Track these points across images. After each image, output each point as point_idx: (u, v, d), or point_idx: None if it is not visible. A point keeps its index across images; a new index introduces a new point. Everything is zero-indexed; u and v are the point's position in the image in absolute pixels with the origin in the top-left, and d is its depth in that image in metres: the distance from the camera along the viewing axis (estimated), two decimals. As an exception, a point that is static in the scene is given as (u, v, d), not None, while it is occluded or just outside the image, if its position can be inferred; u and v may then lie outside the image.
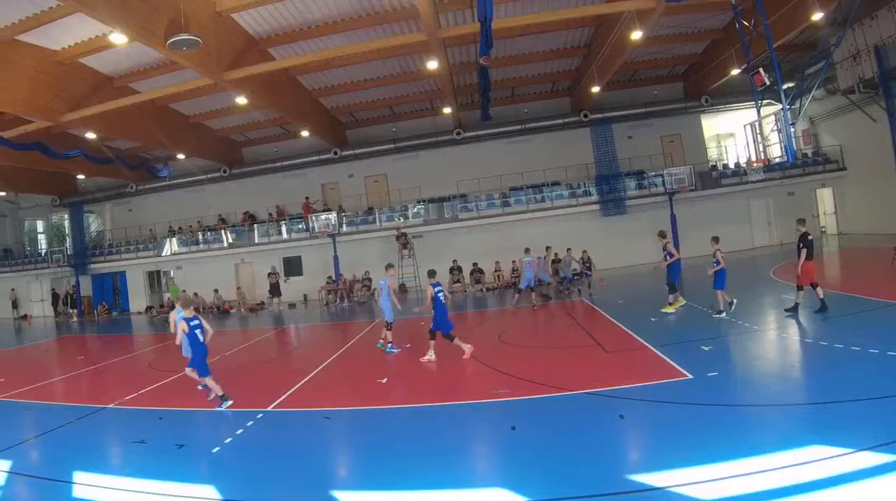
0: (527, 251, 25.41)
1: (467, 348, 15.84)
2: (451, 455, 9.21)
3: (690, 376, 11.95)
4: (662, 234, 19.92)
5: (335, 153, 43.13)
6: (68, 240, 51.66)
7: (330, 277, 38.84)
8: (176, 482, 8.99)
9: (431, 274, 17.32)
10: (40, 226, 57.57)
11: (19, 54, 24.63)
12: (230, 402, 13.10)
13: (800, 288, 17.25)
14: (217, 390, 13.28)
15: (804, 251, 16.87)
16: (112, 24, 19.93)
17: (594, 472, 7.98)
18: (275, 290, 38.68)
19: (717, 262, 16.36)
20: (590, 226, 37.61)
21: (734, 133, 40.81)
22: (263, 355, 21.77)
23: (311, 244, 41.95)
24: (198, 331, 13.25)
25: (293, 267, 43.62)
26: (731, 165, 40.16)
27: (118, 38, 21.75)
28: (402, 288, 37.99)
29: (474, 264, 37.01)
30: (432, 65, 28.64)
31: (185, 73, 27.64)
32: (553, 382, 12.58)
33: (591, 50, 33.15)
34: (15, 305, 49.39)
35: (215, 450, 10.44)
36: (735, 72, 31.99)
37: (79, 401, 15.75)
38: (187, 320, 13.25)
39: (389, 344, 17.99)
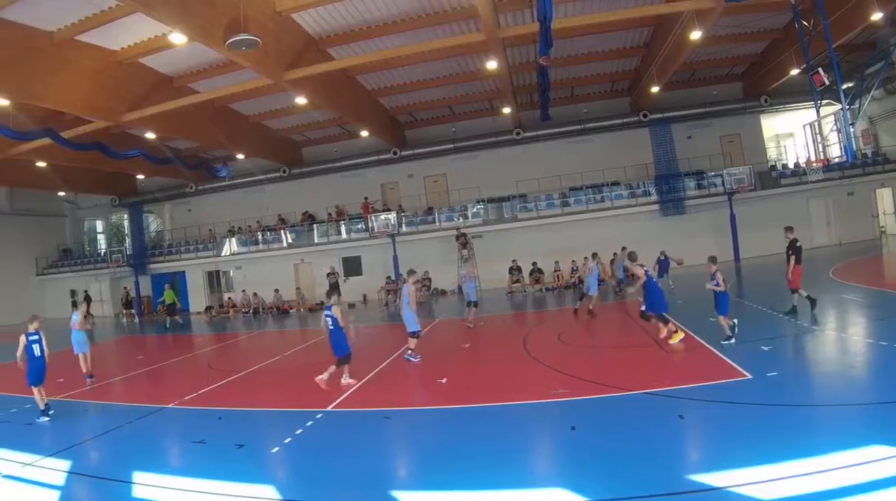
0: (593, 256, 25.45)
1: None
2: (510, 456, 9.30)
3: (750, 376, 11.96)
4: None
5: (394, 153, 43.96)
6: (128, 240, 52.97)
7: (389, 277, 39.70)
8: (235, 482, 9.18)
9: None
10: (100, 226, 59.08)
11: (79, 54, 25.19)
12: (47, 418, 14.15)
13: (793, 291, 18.12)
14: (40, 403, 14.39)
15: (793, 257, 17.85)
16: (171, 23, 20.39)
17: (653, 472, 8.03)
18: (334, 290, 38.11)
19: (718, 284, 15.46)
20: (649, 226, 37.79)
21: (793, 133, 41.61)
22: (322, 355, 22.06)
23: (370, 244, 42.82)
24: (35, 346, 14.57)
25: (352, 267, 44.40)
26: (791, 165, 40.38)
27: (177, 38, 22.23)
28: (462, 289, 38.13)
29: (533, 264, 37.65)
30: (492, 65, 29.01)
31: (245, 73, 28.06)
32: (612, 382, 12.73)
33: (650, 50, 33.54)
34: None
35: (275, 450, 10.68)
36: (794, 72, 32.37)
37: (138, 401, 16.04)
38: (27, 334, 14.64)
39: (409, 351, 17.69)
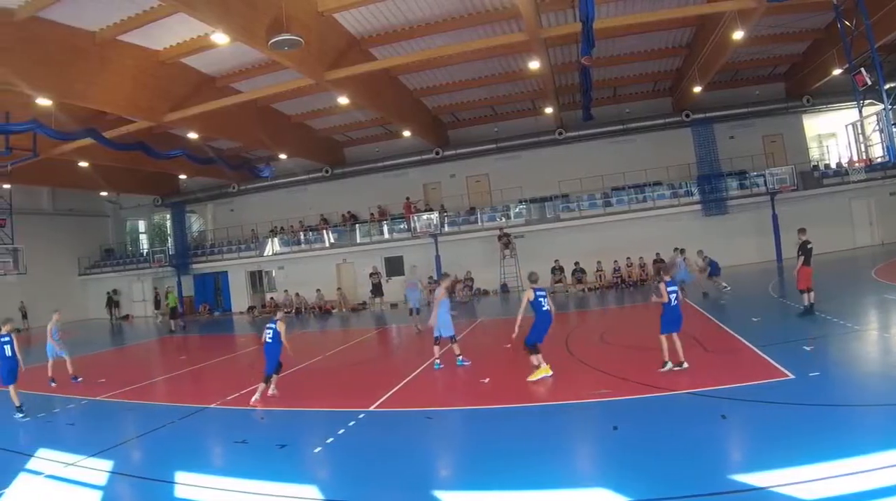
0: (681, 251, 26.37)
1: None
2: (552, 455, 9.47)
3: (792, 376, 12.11)
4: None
5: (437, 153, 44.69)
6: (170, 240, 54.25)
7: (431, 277, 39.53)
8: (277, 482, 9.36)
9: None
10: (142, 226, 60.68)
11: (121, 55, 25.64)
12: (21, 415, 15.42)
13: (802, 291, 18.78)
14: (15, 401, 15.75)
15: (801, 258, 18.54)
16: (214, 23, 20.67)
17: (696, 472, 8.17)
18: (376, 290, 40.35)
19: (661, 295, 14.22)
20: (691, 226, 38.33)
21: (836, 133, 40.98)
22: (365, 355, 22.77)
23: (412, 244, 43.69)
24: (6, 347, 15.85)
25: (394, 266, 45.21)
26: (833, 165, 40.48)
27: (220, 38, 22.45)
28: (504, 289, 40.14)
29: (576, 264, 38.21)
30: (534, 65, 29.32)
31: (287, 73, 28.52)
32: (654, 382, 12.90)
33: (692, 50, 33.79)
34: (117, 305, 50.55)
35: (317, 450, 10.91)
36: (837, 72, 32.73)
37: (181, 401, 16.48)
38: None
39: (459, 357, 17.41)
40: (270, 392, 15.46)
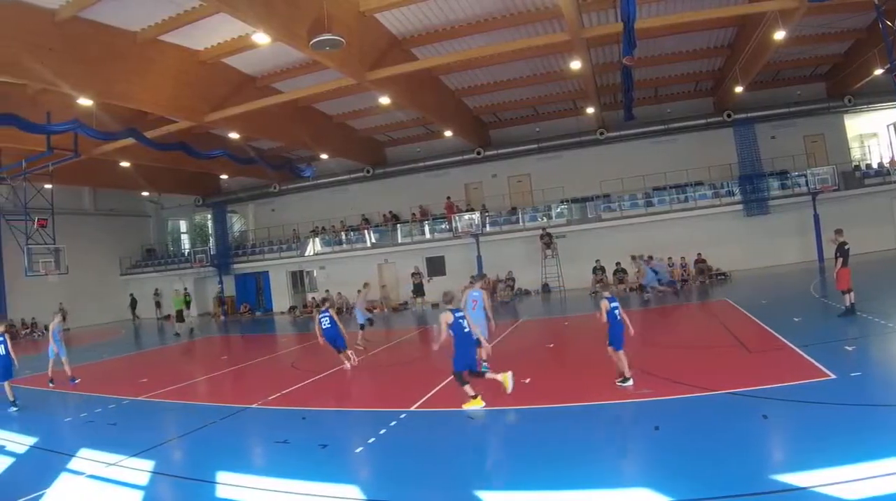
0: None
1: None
2: (593, 455, 9.60)
3: (834, 376, 12.07)
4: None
5: (478, 153, 45.74)
6: (211, 240, 55.83)
7: (473, 277, 38.64)
8: (319, 482, 9.46)
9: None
10: (183, 226, 62.21)
11: (162, 55, 26.20)
12: (15, 409, 17.02)
13: (843, 292, 18.83)
14: (9, 396, 17.31)
15: (840, 259, 18.62)
16: (255, 24, 21.12)
17: (737, 472, 8.21)
18: (418, 290, 41.72)
19: (613, 311, 13.83)
20: (733, 226, 39.24)
21: (877, 133, 41.93)
22: (406, 355, 23.07)
23: (454, 244, 44.56)
24: (1, 346, 17.47)
25: (436, 266, 46.06)
26: (875, 165, 40.58)
27: (261, 39, 23.04)
28: (546, 289, 41.06)
29: (617, 264, 38.45)
30: (575, 65, 29.61)
31: (328, 73, 28.97)
32: (696, 382, 12.92)
33: (733, 50, 34.32)
34: (158, 305, 51.15)
35: (358, 450, 11.00)
36: (878, 72, 33.04)
37: (222, 401, 16.79)
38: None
39: (484, 363, 15.80)
40: (350, 363, 18.09)
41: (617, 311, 13.79)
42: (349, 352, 18.94)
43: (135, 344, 34.26)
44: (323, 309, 19.15)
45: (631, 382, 13.30)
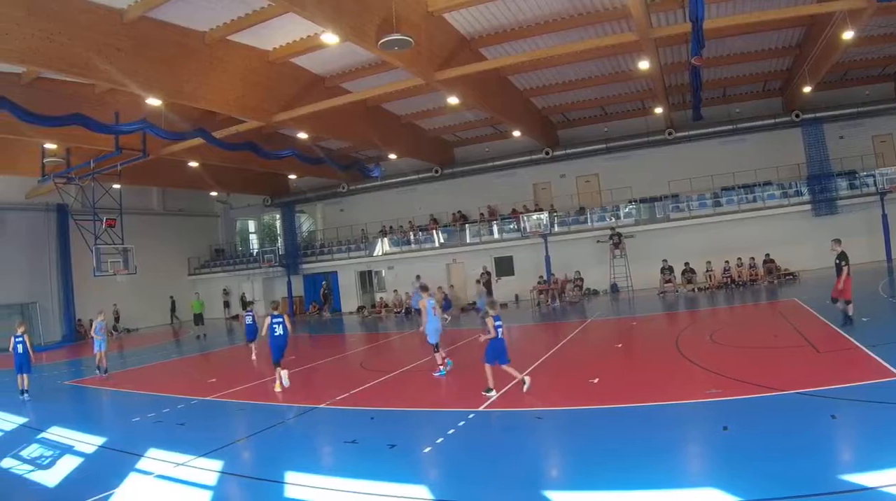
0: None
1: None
2: (662, 456, 9.75)
3: None
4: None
5: (546, 153, 47.04)
6: (280, 240, 57.85)
7: (541, 277, 43.04)
8: (387, 481, 9.67)
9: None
10: (252, 226, 64.39)
11: (231, 55, 26.89)
12: (26, 396, 20.41)
13: (847, 301, 18.96)
14: (20, 385, 20.66)
15: (846, 268, 18.89)
16: (324, 23, 21.50)
17: (806, 472, 8.31)
18: (487, 290, 41.61)
19: (496, 330, 15.03)
20: (801, 226, 39.76)
21: None
22: (474, 355, 22.55)
23: (522, 244, 45.90)
24: (19, 345, 20.70)
25: (504, 267, 47.71)
26: (945, 165, 39.47)
27: (330, 38, 23.42)
28: (614, 289, 42.30)
29: (685, 264, 39.83)
30: (644, 65, 30.17)
31: (397, 73, 29.92)
32: (764, 382, 13.10)
33: (802, 50, 34.72)
34: (227, 305, 52.28)
35: (427, 450, 11.21)
36: None
37: (291, 401, 17.23)
38: (14, 336, 21.05)
39: (441, 367, 18.76)
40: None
41: (500, 330, 14.96)
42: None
43: (202, 345, 35.65)
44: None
45: (493, 394, 14.59)
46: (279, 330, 18.30)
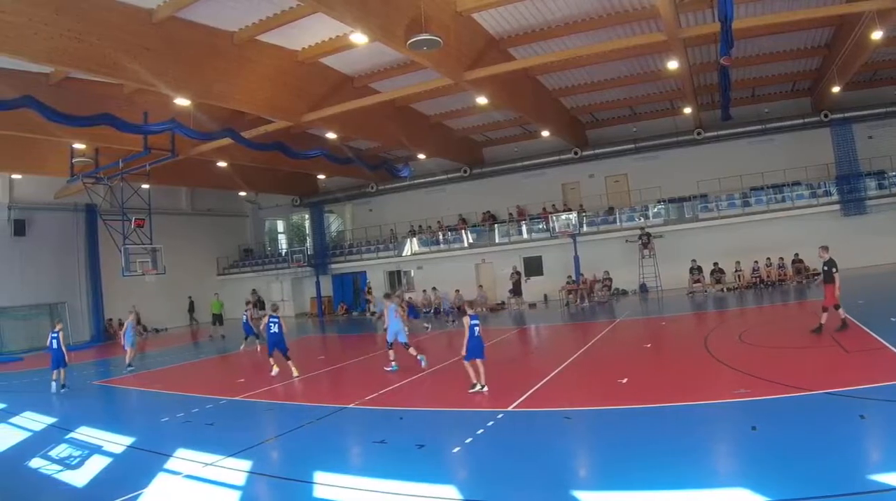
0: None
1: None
2: (691, 455, 9.84)
3: None
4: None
5: (575, 153, 47.53)
6: (308, 240, 58.42)
7: (570, 277, 43.48)
8: (416, 482, 9.76)
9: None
10: (280, 226, 65.20)
11: (260, 55, 27.18)
12: (62, 389, 21.93)
13: (837, 307, 18.92)
14: (53, 379, 22.15)
15: (836, 275, 18.86)
16: (352, 24, 21.72)
17: (835, 472, 8.35)
18: (516, 290, 43.37)
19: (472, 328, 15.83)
20: (830, 226, 38.96)
21: None
22: (504, 355, 23.55)
23: (551, 244, 46.31)
24: (54, 341, 22.30)
25: (533, 266, 48.35)
26: (973, 164, 40.79)
27: (358, 39, 23.71)
28: (643, 289, 42.93)
29: (714, 264, 40.45)
30: (672, 65, 30.68)
31: (425, 73, 30.07)
32: (793, 382, 13.22)
33: (831, 50, 34.87)
34: (261, 305, 53.23)
35: (455, 450, 11.31)
36: None
37: (319, 401, 17.40)
38: (52, 332, 22.85)
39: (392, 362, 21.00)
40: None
41: (476, 329, 15.74)
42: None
43: (223, 346, 35.70)
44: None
45: (479, 388, 15.62)
46: (274, 329, 21.67)
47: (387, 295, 24.37)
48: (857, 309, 22.05)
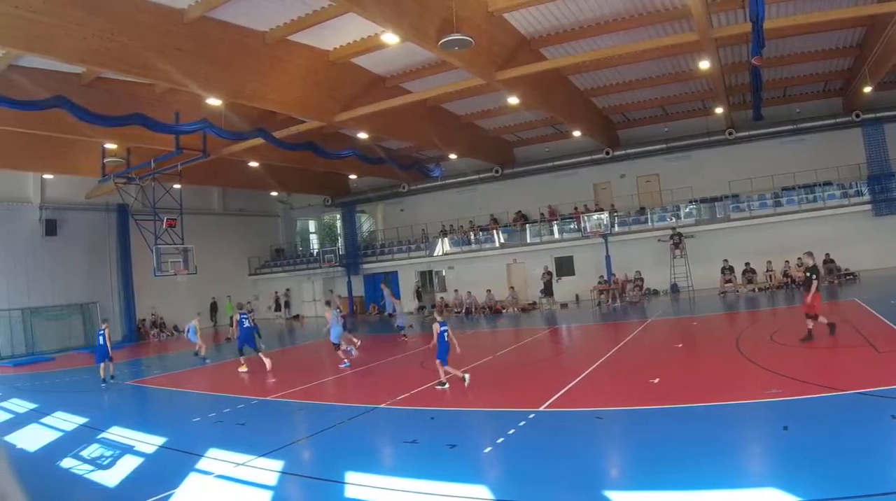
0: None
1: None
2: (722, 456, 9.88)
3: None
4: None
5: (607, 153, 47.87)
6: (340, 240, 59.25)
7: (602, 277, 43.95)
8: (447, 482, 9.84)
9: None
10: (312, 226, 65.98)
11: (291, 54, 27.38)
12: (105, 385, 23.66)
13: (811, 316, 18.88)
14: (101, 374, 23.85)
15: (815, 282, 18.91)
16: (384, 24, 21.82)
17: (866, 472, 8.38)
18: (547, 290, 44.13)
19: (442, 333, 17.27)
20: (861, 226, 40.04)
21: None
22: (535, 355, 24.11)
23: (582, 244, 46.85)
24: (101, 337, 24.01)
25: (565, 267, 48.88)
26: None
27: (390, 38, 23.84)
28: (675, 289, 43.39)
29: (746, 264, 40.53)
30: (704, 65, 30.65)
31: (457, 73, 30.35)
32: (824, 382, 13.31)
33: (863, 50, 34.80)
34: (288, 305, 55.05)
35: (487, 450, 11.39)
36: None
37: (351, 401, 17.71)
38: (99, 331, 25.04)
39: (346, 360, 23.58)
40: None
41: (445, 335, 16.97)
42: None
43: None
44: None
45: (447, 386, 17.14)
46: (246, 323, 24.52)
47: (327, 303, 27.65)
48: (890, 308, 22.38)
